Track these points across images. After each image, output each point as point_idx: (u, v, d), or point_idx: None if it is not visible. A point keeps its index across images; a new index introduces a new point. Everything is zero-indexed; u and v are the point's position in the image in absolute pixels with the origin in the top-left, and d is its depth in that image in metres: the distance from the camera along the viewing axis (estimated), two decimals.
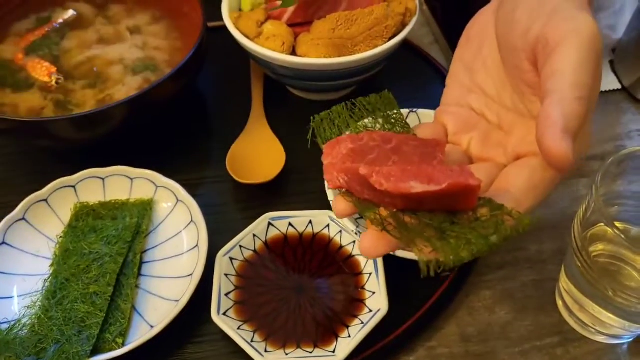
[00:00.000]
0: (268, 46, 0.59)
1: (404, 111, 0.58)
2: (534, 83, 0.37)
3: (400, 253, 0.49)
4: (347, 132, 0.42)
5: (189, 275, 0.51)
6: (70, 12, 0.71)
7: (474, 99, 0.43)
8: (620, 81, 0.73)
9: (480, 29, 0.44)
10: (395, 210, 0.34)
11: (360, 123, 0.43)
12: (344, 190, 0.37)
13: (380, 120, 0.43)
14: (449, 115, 0.44)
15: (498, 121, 0.42)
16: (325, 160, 0.37)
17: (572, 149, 0.32)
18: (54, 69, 0.64)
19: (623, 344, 0.49)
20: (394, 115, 0.43)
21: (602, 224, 0.43)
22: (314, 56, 0.59)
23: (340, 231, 0.54)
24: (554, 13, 0.35)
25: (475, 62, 0.43)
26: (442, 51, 0.78)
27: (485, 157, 0.41)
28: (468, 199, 0.33)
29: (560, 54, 0.33)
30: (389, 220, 0.33)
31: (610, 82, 0.73)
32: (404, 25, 0.61)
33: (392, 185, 0.32)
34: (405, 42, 0.62)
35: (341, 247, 0.53)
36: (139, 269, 0.53)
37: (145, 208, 0.56)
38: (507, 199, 0.34)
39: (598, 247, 0.48)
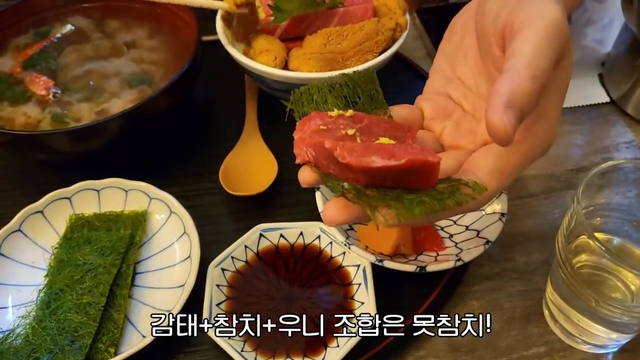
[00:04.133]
0: (261, 61, 0.60)
1: None
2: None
3: (388, 264, 0.50)
4: (325, 108, 0.41)
5: (181, 286, 0.52)
6: (68, 27, 0.72)
7: (453, 89, 0.44)
8: (608, 94, 0.74)
9: (463, 22, 0.45)
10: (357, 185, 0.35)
11: (338, 98, 0.42)
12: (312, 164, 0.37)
13: (360, 96, 0.43)
14: (427, 101, 0.45)
15: (473, 110, 0.43)
16: (296, 135, 0.37)
17: (514, 124, 0.32)
18: (51, 83, 0.65)
19: (608, 353, 0.50)
20: (373, 93, 0.43)
21: (585, 236, 0.44)
22: (305, 70, 0.60)
23: (331, 242, 0.55)
24: (523, 1, 0.36)
25: (457, 54, 0.45)
26: None
27: (457, 145, 0.42)
28: (429, 176, 0.33)
29: (521, 36, 0.34)
30: (350, 190, 0.34)
31: (598, 94, 0.74)
32: (394, 40, 0.63)
33: (354, 159, 0.32)
34: (397, 56, 0.63)
35: (331, 257, 0.54)
36: (132, 279, 0.53)
37: (139, 219, 0.57)
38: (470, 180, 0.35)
39: (582, 258, 0.49)
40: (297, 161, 0.37)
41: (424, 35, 0.84)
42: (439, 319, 0.52)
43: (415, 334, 0.51)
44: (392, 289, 0.53)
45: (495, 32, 0.37)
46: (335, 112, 0.38)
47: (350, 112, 0.38)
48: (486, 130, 0.36)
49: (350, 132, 0.36)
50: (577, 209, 0.44)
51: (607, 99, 0.74)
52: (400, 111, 0.42)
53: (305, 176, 0.36)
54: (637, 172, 0.47)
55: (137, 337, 0.49)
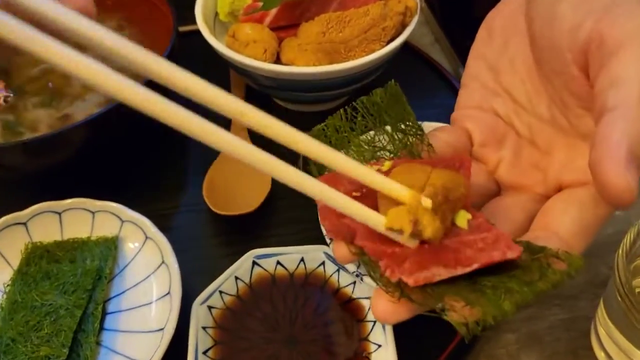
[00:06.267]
0: (247, 53, 0.51)
1: None
2: (582, 93, 0.30)
3: None
4: (350, 154, 0.34)
5: (160, 330, 0.43)
6: None
7: (500, 104, 0.36)
8: None
9: (505, 22, 0.36)
10: None
11: (363, 138, 0.35)
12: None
13: (389, 130, 0.35)
14: (472, 120, 0.36)
15: (530, 135, 0.35)
16: (319, 201, 0.30)
17: (638, 180, 0.25)
18: (1, 85, 0.56)
19: None
20: (404, 116, 0.35)
21: None
22: (301, 64, 0.51)
23: (338, 269, 0.46)
24: (610, 7, 0.27)
25: (500, 61, 0.36)
26: (444, 52, 0.71)
27: (519, 185, 0.34)
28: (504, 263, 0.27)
29: (623, 59, 0.26)
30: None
31: None
32: (403, 25, 0.54)
33: (411, 278, 0.26)
34: (404, 44, 0.54)
35: (339, 288, 0.46)
36: (101, 322, 0.45)
37: (109, 247, 0.48)
38: (553, 244, 0.28)
39: None
40: (328, 237, 0.31)
41: (431, 20, 0.75)
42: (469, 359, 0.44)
43: None
44: (413, 326, 0.44)
45: (572, 47, 0.29)
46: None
47: (387, 164, 0.31)
48: (561, 171, 0.30)
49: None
50: None
51: None
52: (445, 138, 0.34)
53: (343, 255, 0.29)
54: None
55: None
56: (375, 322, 0.43)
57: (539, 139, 0.34)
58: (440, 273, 0.26)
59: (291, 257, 0.46)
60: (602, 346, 0.43)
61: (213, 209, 0.49)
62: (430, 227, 0.26)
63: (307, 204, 0.47)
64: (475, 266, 0.26)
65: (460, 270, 0.26)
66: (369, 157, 0.34)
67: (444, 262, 0.26)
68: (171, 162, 0.58)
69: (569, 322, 0.46)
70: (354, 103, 0.35)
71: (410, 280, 0.25)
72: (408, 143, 0.34)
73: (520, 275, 0.26)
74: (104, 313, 0.45)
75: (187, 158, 0.58)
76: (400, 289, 0.26)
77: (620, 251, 0.39)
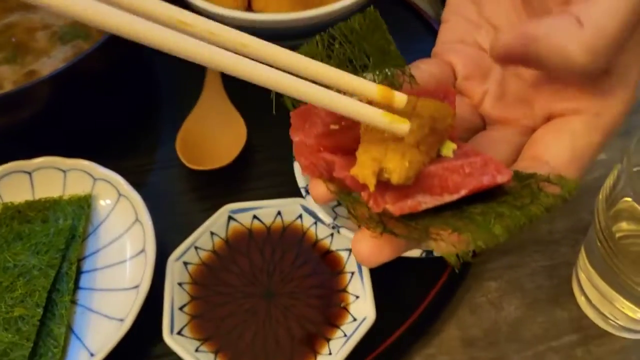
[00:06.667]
0: (217, 1, 0.49)
1: None
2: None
3: None
4: None
5: (135, 287, 0.42)
6: None
7: (484, 36, 0.34)
8: None
9: None
10: None
11: (341, 65, 0.32)
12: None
13: (368, 55, 0.32)
14: (455, 53, 0.34)
15: (516, 68, 0.33)
16: (295, 136, 0.28)
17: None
18: None
19: None
20: (384, 45, 0.32)
21: (629, 199, 0.35)
22: (274, 11, 0.49)
23: (316, 222, 0.45)
24: None
25: None
26: None
27: (504, 118, 0.32)
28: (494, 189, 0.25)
29: None
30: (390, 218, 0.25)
31: None
32: None
33: (395, 207, 0.24)
34: None
35: (317, 240, 0.45)
36: (76, 281, 0.44)
37: (82, 206, 0.47)
38: (544, 172, 0.26)
39: (623, 227, 0.40)
40: (303, 174, 0.28)
41: None
42: (449, 308, 0.44)
43: (422, 328, 0.43)
44: (392, 275, 0.43)
45: None
46: None
47: None
48: (549, 101, 0.29)
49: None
50: (628, 166, 0.34)
51: None
52: (427, 69, 0.32)
53: (320, 193, 0.27)
54: None
55: (85, 356, 0.40)
56: (353, 273, 0.42)
57: (525, 70, 0.33)
58: (426, 201, 0.24)
59: (268, 211, 0.45)
60: (582, 291, 0.43)
61: (187, 164, 0.48)
62: (396, 173, 0.24)
63: (285, 155, 0.46)
64: (463, 192, 0.24)
65: (447, 198, 0.24)
66: None
67: (429, 189, 0.24)
68: (144, 118, 0.56)
69: (550, 269, 0.46)
70: (331, 29, 0.33)
71: (394, 209, 0.24)
72: (389, 74, 0.31)
73: (511, 201, 0.24)
74: (79, 272, 0.45)
75: (160, 113, 0.56)
76: (382, 224, 0.25)
77: (600, 196, 0.38)
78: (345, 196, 0.27)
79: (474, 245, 0.23)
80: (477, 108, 0.33)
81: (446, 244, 0.23)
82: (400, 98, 0.25)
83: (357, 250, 0.26)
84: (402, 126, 0.24)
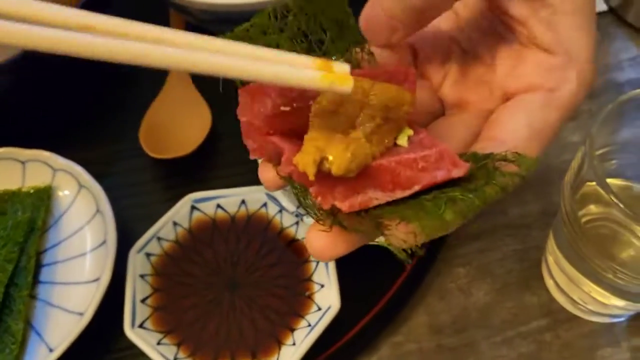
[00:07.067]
0: None
1: None
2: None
3: None
4: None
5: (96, 280, 0.41)
6: None
7: (443, 19, 0.33)
8: (606, 1, 0.62)
9: None
10: None
11: (294, 39, 0.29)
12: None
13: (324, 29, 0.30)
14: (416, 34, 0.33)
15: (474, 49, 0.32)
16: (242, 116, 0.26)
17: None
18: None
19: (622, 322, 0.42)
20: (342, 20, 0.30)
21: (594, 183, 0.35)
22: None
23: (281, 210, 0.44)
24: None
25: None
26: None
27: (464, 101, 0.31)
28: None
29: None
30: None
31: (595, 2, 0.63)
32: None
33: (345, 204, 0.23)
34: None
35: (282, 229, 0.44)
36: (36, 274, 0.43)
37: (42, 198, 0.45)
38: (502, 150, 0.25)
39: (591, 210, 0.40)
40: (252, 157, 0.27)
41: None
42: (417, 294, 0.43)
43: (389, 315, 0.42)
44: (358, 262, 0.42)
45: None
46: None
47: None
48: (505, 80, 0.28)
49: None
50: (591, 150, 0.33)
51: (605, 8, 0.62)
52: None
53: (270, 179, 0.26)
54: None
55: (44, 351, 0.39)
56: (318, 262, 0.42)
57: (483, 51, 0.32)
58: (378, 197, 0.23)
59: (232, 200, 0.44)
60: (551, 276, 0.43)
61: (149, 153, 0.47)
62: (336, 164, 0.22)
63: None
64: (416, 188, 0.23)
65: (399, 194, 0.23)
66: None
67: (381, 185, 0.23)
68: (106, 107, 0.54)
69: (521, 253, 0.45)
70: (286, 3, 0.30)
71: (344, 206, 0.22)
72: (347, 50, 0.29)
73: (464, 184, 0.23)
74: (39, 265, 0.44)
75: (123, 101, 0.54)
76: (332, 216, 0.23)
77: (566, 179, 0.38)
78: (298, 190, 0.25)
79: (425, 234, 0.21)
80: (437, 92, 0.33)
81: (395, 236, 0.22)
82: (340, 68, 0.23)
83: (311, 245, 0.24)
84: (344, 87, 0.23)
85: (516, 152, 0.24)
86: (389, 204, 0.23)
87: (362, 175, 0.23)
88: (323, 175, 0.23)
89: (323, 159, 0.23)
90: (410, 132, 0.26)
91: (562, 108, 0.27)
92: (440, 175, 0.23)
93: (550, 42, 0.27)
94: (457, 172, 0.23)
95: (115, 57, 0.20)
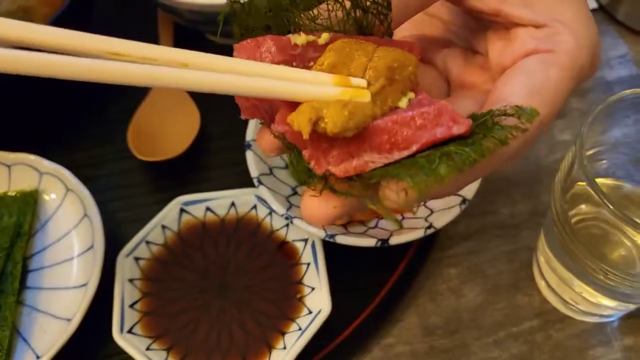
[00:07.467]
0: None
1: None
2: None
3: (342, 239, 0.39)
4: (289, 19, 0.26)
5: (83, 285, 0.41)
6: None
7: (432, 28, 0.33)
8: None
9: None
10: None
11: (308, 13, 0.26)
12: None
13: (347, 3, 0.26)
14: (419, 23, 0.32)
15: (469, 44, 0.32)
16: None
17: None
18: None
19: (612, 322, 0.42)
20: None
21: (584, 183, 0.35)
22: None
23: (270, 212, 0.44)
24: None
25: None
26: None
27: (468, 81, 0.31)
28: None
29: None
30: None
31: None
32: None
33: (339, 169, 0.21)
34: None
35: (273, 231, 0.43)
36: (23, 280, 0.42)
37: (28, 202, 0.45)
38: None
39: (582, 210, 0.40)
40: (243, 116, 0.25)
41: None
42: (409, 295, 0.43)
43: (381, 317, 0.42)
44: (349, 264, 0.42)
45: None
46: (302, 38, 0.24)
47: (325, 36, 0.24)
48: (499, 58, 0.27)
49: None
50: (580, 151, 0.33)
51: (595, 5, 0.62)
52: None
53: (267, 142, 0.24)
54: None
55: (31, 358, 0.39)
56: (309, 264, 0.41)
57: (478, 44, 0.31)
58: (374, 160, 0.22)
59: (221, 202, 0.44)
60: (542, 276, 0.42)
61: (138, 156, 0.46)
62: (332, 122, 0.21)
63: (238, 143, 0.44)
64: (414, 148, 0.22)
65: (397, 155, 0.22)
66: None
67: (378, 146, 0.22)
68: (93, 109, 0.53)
69: (511, 253, 0.45)
70: None
71: (338, 171, 0.21)
72: (365, 23, 0.26)
73: (461, 142, 0.22)
74: (26, 271, 0.43)
75: (111, 104, 0.53)
76: (324, 181, 0.22)
77: (557, 178, 0.38)
78: (290, 148, 0.24)
79: (417, 191, 0.20)
80: (443, 74, 0.32)
81: (388, 197, 0.21)
82: (357, 82, 0.23)
83: (305, 209, 0.23)
84: (364, 99, 0.22)
85: (516, 105, 0.23)
86: (384, 166, 0.22)
87: (357, 137, 0.22)
88: (318, 136, 0.22)
89: (319, 119, 0.21)
90: (412, 95, 0.24)
91: (562, 66, 0.25)
92: (439, 133, 0.22)
93: (533, 18, 0.26)
94: (457, 129, 0.22)
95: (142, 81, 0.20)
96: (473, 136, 0.22)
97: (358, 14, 0.25)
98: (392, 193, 0.20)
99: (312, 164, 0.22)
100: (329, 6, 0.25)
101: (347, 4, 0.25)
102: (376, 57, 0.23)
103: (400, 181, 0.20)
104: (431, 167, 0.20)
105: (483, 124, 0.22)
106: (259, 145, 0.25)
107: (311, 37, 0.24)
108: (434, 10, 0.32)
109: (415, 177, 0.20)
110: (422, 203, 0.22)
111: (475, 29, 0.30)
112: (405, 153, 0.22)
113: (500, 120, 0.22)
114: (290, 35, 0.24)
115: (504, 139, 0.21)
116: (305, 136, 0.21)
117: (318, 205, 0.22)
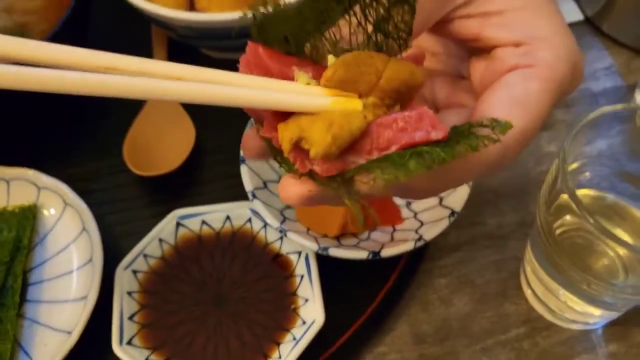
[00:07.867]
0: (159, 1, 0.48)
1: None
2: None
3: (335, 252, 0.40)
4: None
5: (83, 298, 0.42)
6: None
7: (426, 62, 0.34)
8: (582, 11, 0.64)
9: None
10: None
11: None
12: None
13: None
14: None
15: (456, 71, 0.33)
16: (242, 58, 0.24)
17: None
18: None
19: (597, 329, 0.43)
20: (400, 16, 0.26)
21: (566, 195, 0.36)
22: (216, 10, 0.48)
23: (265, 225, 0.45)
24: None
25: None
26: None
27: (456, 103, 0.32)
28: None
29: None
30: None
31: (570, 12, 0.64)
32: None
33: (321, 168, 0.22)
34: None
35: (267, 244, 0.45)
36: (23, 294, 0.43)
37: (27, 216, 0.46)
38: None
39: (566, 220, 0.41)
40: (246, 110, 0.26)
41: None
42: (400, 305, 0.44)
43: (373, 327, 0.43)
44: (342, 275, 0.44)
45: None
46: (304, 79, 0.24)
47: (329, 72, 0.24)
48: (482, 79, 0.28)
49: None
50: (563, 165, 0.35)
51: (581, 17, 0.64)
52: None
53: (252, 147, 0.26)
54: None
55: None
56: (302, 276, 0.42)
57: (464, 69, 0.32)
58: (355, 161, 0.23)
59: (216, 216, 0.45)
60: (529, 285, 0.44)
61: (134, 170, 0.47)
62: (314, 148, 0.22)
63: (233, 159, 0.46)
64: (393, 149, 0.23)
65: (376, 155, 0.23)
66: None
67: (359, 148, 0.23)
68: (89, 124, 0.54)
69: (499, 263, 0.46)
70: None
71: (321, 171, 0.22)
72: (384, 47, 0.26)
73: (436, 145, 0.23)
74: (26, 284, 0.44)
75: (107, 118, 0.54)
76: (308, 176, 0.23)
77: (542, 190, 0.39)
78: (275, 152, 0.25)
79: (383, 179, 0.21)
80: (431, 97, 0.33)
81: (359, 188, 0.22)
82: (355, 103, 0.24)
83: (282, 187, 0.24)
84: (355, 108, 0.23)
85: (492, 118, 0.23)
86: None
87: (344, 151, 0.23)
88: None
89: (301, 140, 0.22)
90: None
91: (542, 78, 0.26)
92: (418, 136, 0.22)
93: (511, 37, 0.27)
94: (435, 134, 0.23)
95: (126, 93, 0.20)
96: (449, 140, 0.23)
97: (379, 38, 0.26)
98: (362, 185, 0.22)
99: (297, 164, 0.23)
100: (351, 29, 0.26)
101: (369, 28, 0.26)
102: (385, 77, 0.24)
103: (371, 173, 0.22)
104: (401, 162, 0.21)
105: (461, 133, 0.23)
106: (244, 144, 0.26)
107: (313, 82, 0.24)
108: (420, 43, 0.33)
109: (386, 170, 0.21)
110: (396, 196, 0.24)
111: (461, 55, 0.32)
112: (384, 153, 0.23)
113: (477, 131, 0.23)
114: (295, 70, 0.24)
115: (475, 145, 0.22)
116: (286, 154, 0.22)
117: (294, 185, 0.24)
